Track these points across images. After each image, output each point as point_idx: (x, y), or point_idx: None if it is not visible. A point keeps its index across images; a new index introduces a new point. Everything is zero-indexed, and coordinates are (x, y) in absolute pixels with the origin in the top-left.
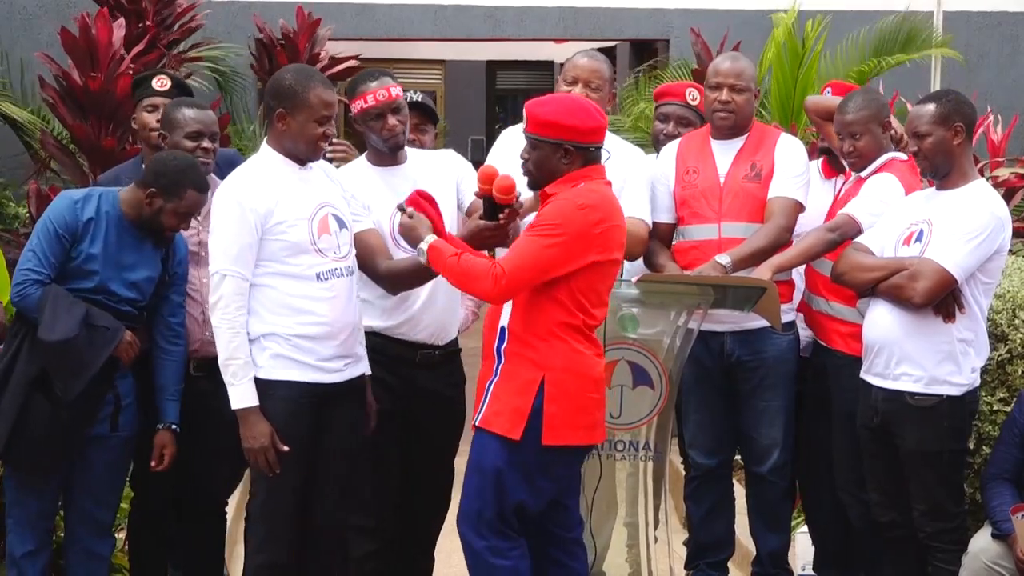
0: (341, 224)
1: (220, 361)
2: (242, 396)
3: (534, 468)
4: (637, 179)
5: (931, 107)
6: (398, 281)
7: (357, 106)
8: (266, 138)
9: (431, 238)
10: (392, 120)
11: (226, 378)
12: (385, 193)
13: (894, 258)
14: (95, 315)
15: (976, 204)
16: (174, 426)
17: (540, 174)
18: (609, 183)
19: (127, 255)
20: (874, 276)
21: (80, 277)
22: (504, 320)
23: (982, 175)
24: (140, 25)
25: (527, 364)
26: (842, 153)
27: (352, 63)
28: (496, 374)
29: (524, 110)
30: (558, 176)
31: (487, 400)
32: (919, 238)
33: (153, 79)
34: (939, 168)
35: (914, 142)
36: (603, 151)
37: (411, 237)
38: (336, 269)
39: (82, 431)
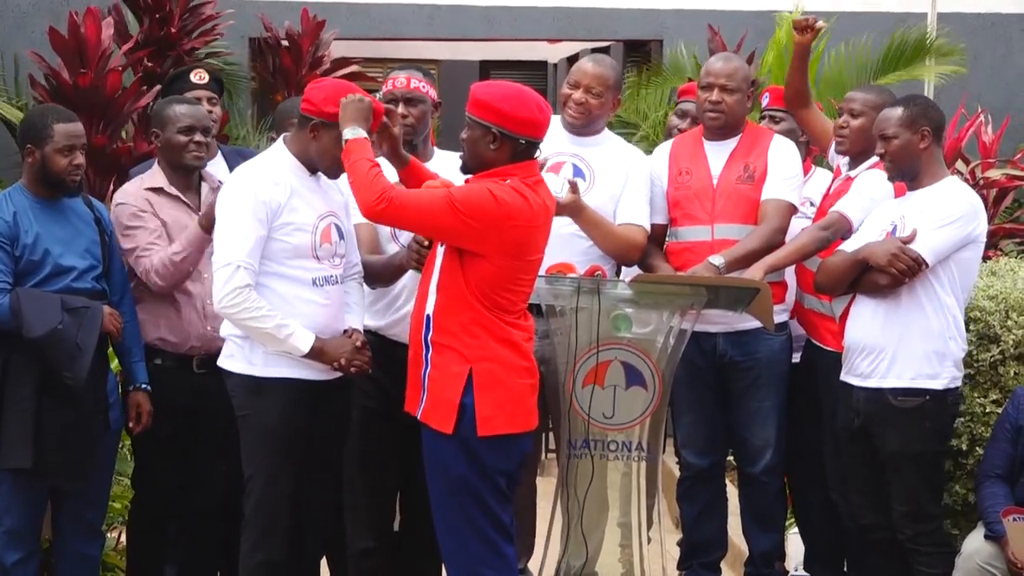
0: (341, 235)
1: (270, 343)
2: (303, 342)
3: (483, 457)
4: (636, 182)
5: (899, 111)
6: (370, 275)
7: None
8: (284, 136)
9: (359, 131)
10: (400, 109)
11: (284, 347)
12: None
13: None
14: (69, 300)
15: (948, 194)
16: (144, 386)
17: (469, 156)
18: (540, 180)
19: (60, 229)
20: (844, 266)
21: (35, 269)
22: (429, 308)
23: (974, 176)
24: (164, 30)
25: (454, 355)
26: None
27: (354, 68)
28: (427, 364)
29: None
30: (487, 165)
31: (426, 393)
32: (894, 233)
33: (191, 73)
34: (904, 172)
35: (881, 144)
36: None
37: (343, 116)
38: (332, 276)
39: (95, 424)
